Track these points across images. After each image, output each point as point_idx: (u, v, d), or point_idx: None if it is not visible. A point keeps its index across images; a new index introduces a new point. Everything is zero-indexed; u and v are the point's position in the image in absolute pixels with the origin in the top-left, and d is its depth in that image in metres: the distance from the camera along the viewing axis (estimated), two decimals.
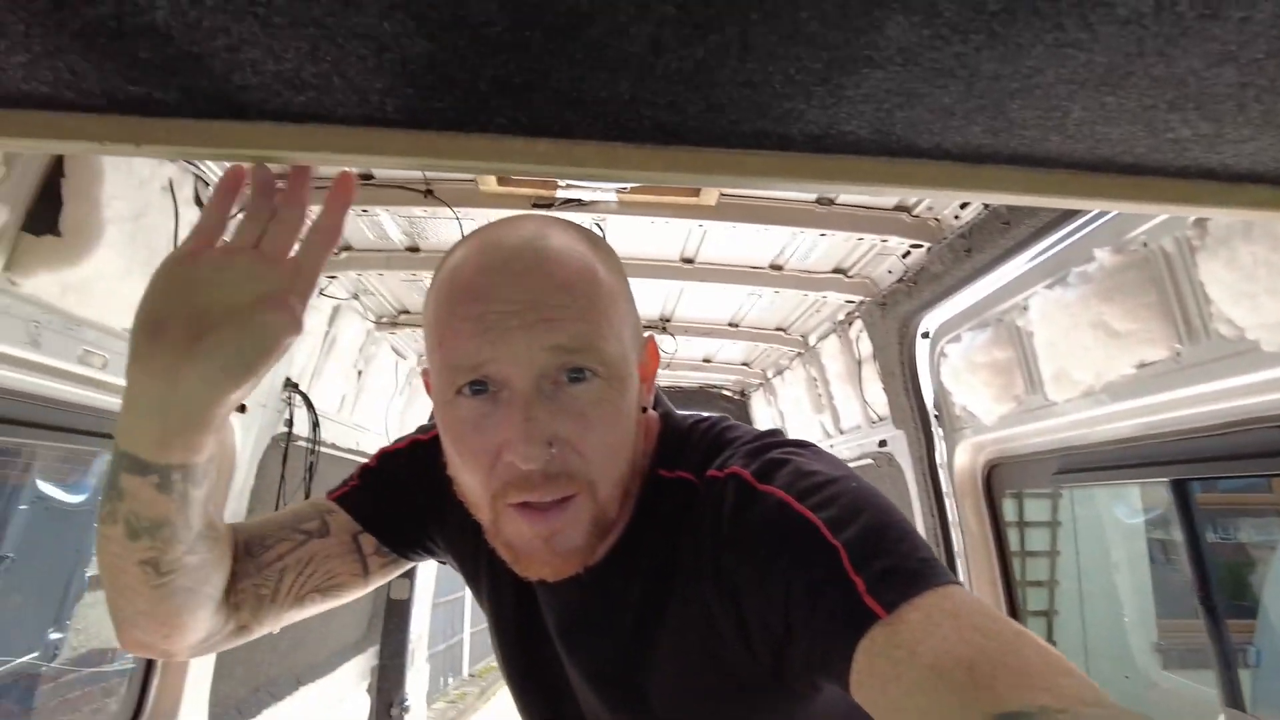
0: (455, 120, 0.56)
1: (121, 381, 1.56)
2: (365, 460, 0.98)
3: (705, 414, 0.86)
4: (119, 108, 0.55)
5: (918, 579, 0.57)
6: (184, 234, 1.60)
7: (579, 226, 0.75)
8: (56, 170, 1.27)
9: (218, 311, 0.63)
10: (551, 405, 0.65)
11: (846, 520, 0.62)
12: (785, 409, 3.44)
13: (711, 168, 0.59)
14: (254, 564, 0.83)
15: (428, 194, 1.82)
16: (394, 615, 3.73)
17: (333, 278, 2.28)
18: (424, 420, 3.56)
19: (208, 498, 0.72)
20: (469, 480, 0.70)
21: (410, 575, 3.71)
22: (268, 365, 0.64)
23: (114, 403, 1.63)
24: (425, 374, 0.77)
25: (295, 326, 0.64)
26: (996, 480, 2.22)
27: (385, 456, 0.98)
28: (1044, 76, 0.48)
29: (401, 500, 0.93)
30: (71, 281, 1.35)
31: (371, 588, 0.94)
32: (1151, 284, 1.36)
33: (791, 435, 0.79)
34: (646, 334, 0.82)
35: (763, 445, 0.74)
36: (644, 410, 0.78)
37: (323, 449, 2.56)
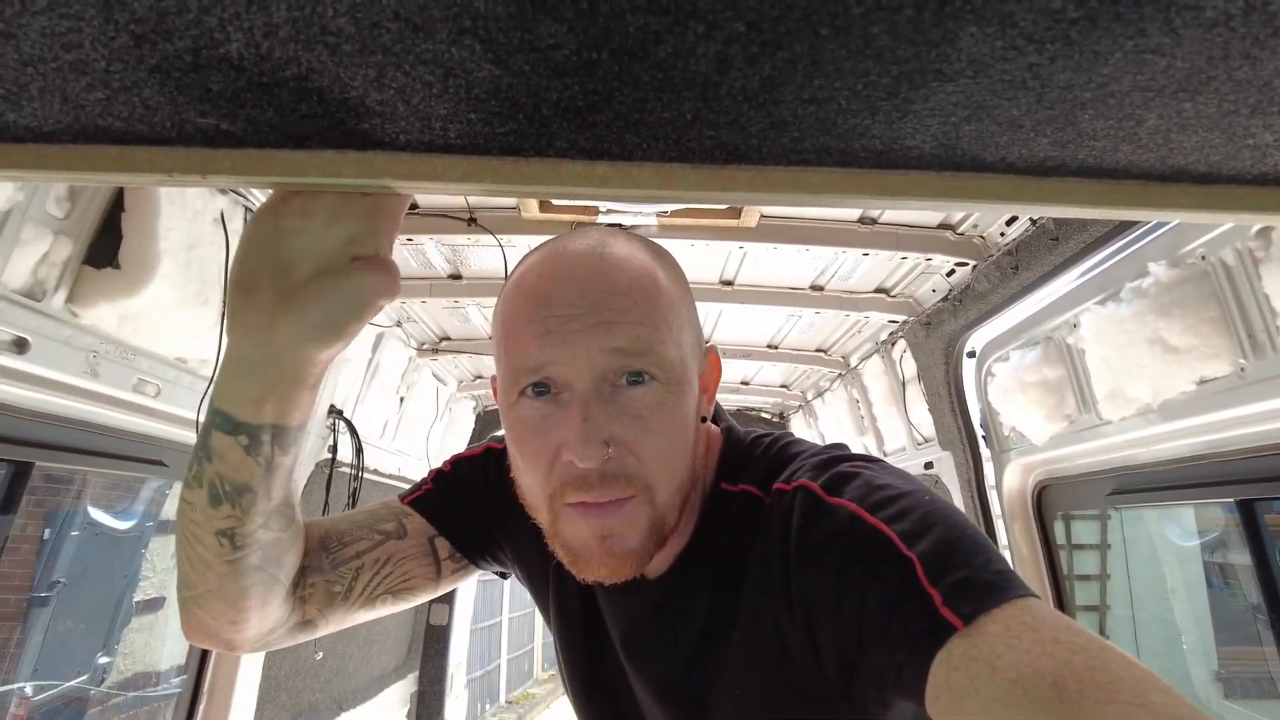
0: (514, 145, 0.56)
1: (173, 409, 1.60)
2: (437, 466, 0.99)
3: (767, 430, 0.86)
4: (187, 140, 0.57)
5: (995, 591, 0.55)
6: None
7: (642, 237, 0.76)
8: (117, 204, 1.31)
9: (306, 263, 0.61)
10: (610, 407, 0.66)
11: (920, 533, 0.61)
12: (826, 431, 3.40)
13: (770, 185, 0.59)
14: (329, 559, 0.83)
15: (471, 221, 1.85)
16: (433, 641, 3.73)
17: None
18: (462, 446, 3.58)
19: (291, 469, 0.72)
20: (529, 481, 0.71)
21: (449, 600, 3.72)
22: (359, 326, 0.64)
23: (166, 430, 1.67)
24: (493, 380, 0.78)
25: (391, 287, 0.64)
26: (1047, 501, 2.16)
27: (458, 461, 0.98)
28: (1119, 85, 0.47)
29: (473, 505, 0.93)
30: (128, 312, 1.38)
31: (440, 592, 0.94)
32: (1212, 298, 1.32)
33: None
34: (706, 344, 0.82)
35: (830, 459, 0.73)
36: (704, 421, 0.78)
37: (365, 475, 2.59)
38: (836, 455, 0.74)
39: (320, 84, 0.49)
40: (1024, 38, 0.42)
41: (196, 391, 1.65)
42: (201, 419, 0.70)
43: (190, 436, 1.66)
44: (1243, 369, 1.30)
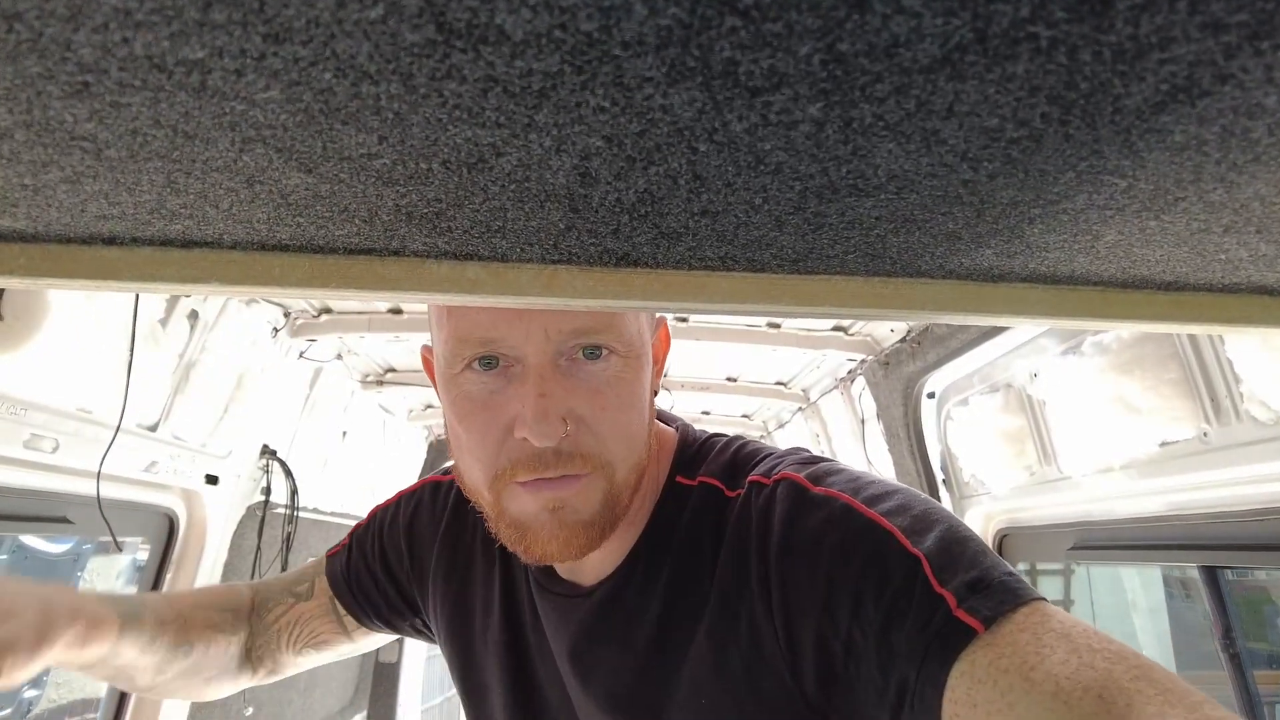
0: (363, 246, 0.47)
1: (75, 463, 1.47)
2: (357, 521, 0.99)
3: (721, 433, 0.80)
4: None
5: (1011, 593, 0.49)
6: (145, 305, 1.52)
7: None
8: None
9: None
10: (567, 381, 0.61)
11: (922, 530, 0.55)
12: None
13: (672, 292, 0.50)
14: (261, 624, 0.90)
15: None
16: (382, 680, 3.58)
17: (312, 341, 2.19)
18: (411, 477, 3.42)
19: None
20: (473, 461, 0.65)
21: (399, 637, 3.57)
22: None
23: (69, 484, 1.54)
24: (426, 349, 0.74)
25: None
26: (1008, 550, 2.10)
27: (375, 515, 0.96)
28: (1072, 203, 0.39)
29: (381, 558, 0.91)
30: (15, 364, 1.26)
31: (362, 646, 0.97)
32: (1173, 359, 1.26)
33: None
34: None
35: (810, 457, 0.68)
36: (655, 394, 0.74)
37: (305, 514, 2.46)
38: (813, 456, 0.69)
39: (102, 187, 0.39)
40: (955, 155, 0.34)
41: (102, 443, 1.52)
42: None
43: (93, 490, 1.53)
44: (1205, 434, 1.24)
